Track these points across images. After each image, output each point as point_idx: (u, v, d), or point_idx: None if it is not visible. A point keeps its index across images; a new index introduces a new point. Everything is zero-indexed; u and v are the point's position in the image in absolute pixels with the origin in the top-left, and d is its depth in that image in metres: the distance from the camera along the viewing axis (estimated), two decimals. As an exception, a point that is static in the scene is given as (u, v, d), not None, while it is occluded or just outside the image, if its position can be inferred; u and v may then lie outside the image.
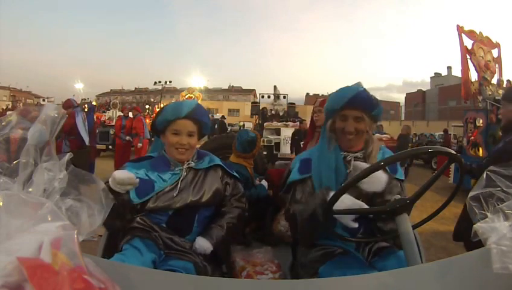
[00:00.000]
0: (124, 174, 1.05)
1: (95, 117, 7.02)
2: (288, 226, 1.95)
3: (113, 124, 10.83)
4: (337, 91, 1.16)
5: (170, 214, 1.19)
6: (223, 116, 13.74)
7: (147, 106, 16.85)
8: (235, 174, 1.36)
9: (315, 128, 2.21)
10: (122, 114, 7.37)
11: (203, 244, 1.17)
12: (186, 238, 1.20)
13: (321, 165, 1.14)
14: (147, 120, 8.01)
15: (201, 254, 1.17)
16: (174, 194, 1.18)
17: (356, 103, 1.11)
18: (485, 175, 0.70)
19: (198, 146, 1.51)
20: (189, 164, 1.24)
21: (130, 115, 6.82)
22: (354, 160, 1.15)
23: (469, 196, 0.70)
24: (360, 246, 1.15)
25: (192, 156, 1.26)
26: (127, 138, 6.32)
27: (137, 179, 1.09)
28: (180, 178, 1.21)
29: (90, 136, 5.02)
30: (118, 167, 1.33)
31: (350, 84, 1.16)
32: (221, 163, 1.32)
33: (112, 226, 1.12)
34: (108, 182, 1.06)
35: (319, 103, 2.19)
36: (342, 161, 1.14)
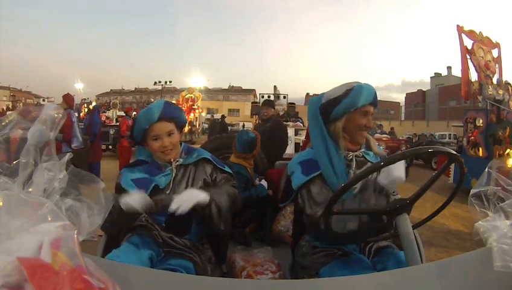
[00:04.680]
0: (139, 201, 1.04)
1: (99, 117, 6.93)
2: (288, 226, 1.96)
3: (113, 124, 10.81)
4: (358, 89, 1.11)
5: (168, 214, 1.19)
6: (223, 116, 13.71)
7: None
8: (226, 169, 1.32)
9: None
10: (125, 115, 7.28)
11: (198, 194, 1.07)
12: (185, 237, 1.20)
13: (332, 166, 1.11)
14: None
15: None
16: (167, 192, 1.18)
17: (376, 99, 1.15)
18: (486, 173, 0.70)
19: (198, 146, 1.51)
20: (177, 161, 1.24)
21: (134, 114, 6.79)
22: (355, 158, 1.16)
23: (470, 193, 0.70)
24: (360, 246, 1.15)
25: (179, 153, 1.26)
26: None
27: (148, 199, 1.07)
28: (171, 179, 1.20)
29: (96, 137, 5.01)
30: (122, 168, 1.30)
31: (349, 82, 1.16)
32: (209, 157, 1.29)
33: (112, 229, 1.13)
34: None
35: None
36: (344, 161, 1.14)
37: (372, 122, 1.15)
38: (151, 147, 1.21)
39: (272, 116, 3.44)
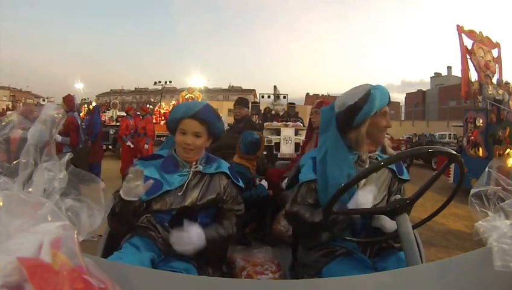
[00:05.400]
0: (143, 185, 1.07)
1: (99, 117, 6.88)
2: (288, 226, 1.96)
3: (113, 124, 10.79)
4: (375, 92, 1.11)
5: (173, 214, 1.19)
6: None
7: (150, 106, 16.82)
8: (240, 183, 1.34)
9: (313, 129, 2.22)
10: (125, 114, 7.25)
11: (198, 239, 1.11)
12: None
13: (337, 169, 1.11)
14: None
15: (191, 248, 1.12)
16: (179, 194, 1.19)
17: (390, 98, 1.16)
18: (486, 173, 0.70)
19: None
20: (196, 167, 1.25)
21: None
22: (370, 159, 1.17)
23: (470, 193, 0.70)
24: (362, 246, 1.15)
25: (199, 157, 1.27)
26: (128, 143, 6.20)
27: (151, 181, 1.11)
28: (186, 181, 1.21)
29: (97, 137, 4.99)
30: (124, 168, 1.31)
31: (360, 85, 1.17)
32: (227, 171, 1.30)
33: (118, 228, 1.15)
34: (118, 191, 1.08)
35: (316, 104, 2.20)
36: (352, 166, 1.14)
37: (389, 122, 1.17)
38: (176, 139, 1.24)
39: (245, 116, 3.30)
